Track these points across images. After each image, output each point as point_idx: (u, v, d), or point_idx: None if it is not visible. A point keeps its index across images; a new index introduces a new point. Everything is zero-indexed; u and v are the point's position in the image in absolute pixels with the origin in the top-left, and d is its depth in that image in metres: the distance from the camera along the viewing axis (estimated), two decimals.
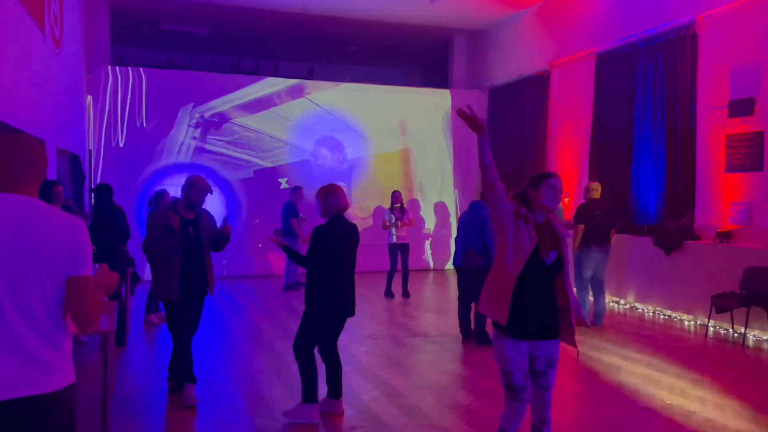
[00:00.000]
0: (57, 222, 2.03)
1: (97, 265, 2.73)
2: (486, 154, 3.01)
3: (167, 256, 4.58)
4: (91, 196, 10.42)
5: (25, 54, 6.08)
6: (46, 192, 6.11)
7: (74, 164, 9.04)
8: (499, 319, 3.05)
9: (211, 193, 4.79)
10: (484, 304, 3.20)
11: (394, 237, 9.39)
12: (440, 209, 12.98)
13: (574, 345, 3.17)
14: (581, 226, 7.26)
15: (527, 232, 3.04)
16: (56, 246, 1.99)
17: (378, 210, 12.21)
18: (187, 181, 4.72)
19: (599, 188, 7.61)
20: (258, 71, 14.45)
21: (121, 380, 5.21)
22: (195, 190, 4.64)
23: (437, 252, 12.90)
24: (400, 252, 9.40)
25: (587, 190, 7.62)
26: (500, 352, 3.10)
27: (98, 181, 10.68)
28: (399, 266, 9.44)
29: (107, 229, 6.54)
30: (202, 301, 4.79)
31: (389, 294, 9.43)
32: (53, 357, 2.01)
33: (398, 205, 9.40)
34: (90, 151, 10.61)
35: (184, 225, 4.61)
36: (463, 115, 2.97)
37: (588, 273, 7.37)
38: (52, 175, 7.17)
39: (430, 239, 12.83)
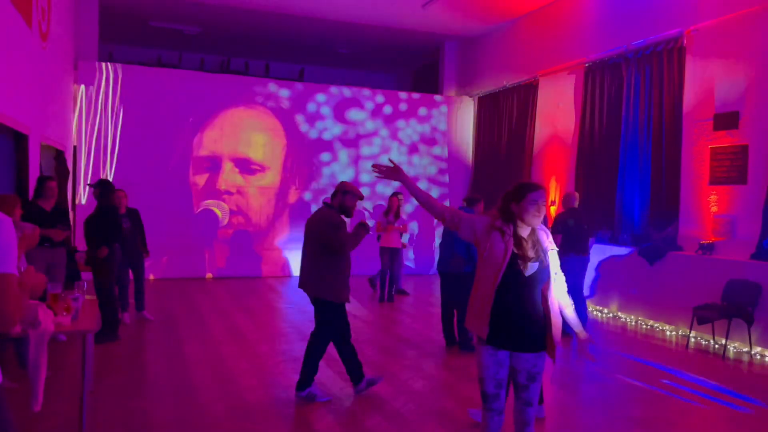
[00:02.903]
0: None
1: (23, 266, 2.65)
2: (417, 194, 3.15)
3: (345, 258, 4.77)
4: (80, 190, 10.30)
5: (10, 47, 6.00)
6: (40, 187, 6.03)
7: (59, 160, 8.93)
8: (480, 334, 3.05)
9: (362, 199, 4.96)
10: (468, 319, 3.16)
11: (386, 241, 9.39)
12: (424, 213, 12.97)
13: (552, 358, 3.11)
14: (558, 236, 7.24)
15: (503, 244, 3.02)
16: None
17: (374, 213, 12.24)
18: (341, 187, 4.85)
19: (577, 197, 7.64)
20: (248, 72, 14.40)
21: (106, 377, 5.14)
22: (350, 196, 4.80)
23: (420, 256, 12.91)
24: (389, 255, 9.40)
25: (566, 199, 7.64)
26: (477, 357, 3.11)
27: (81, 178, 10.56)
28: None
29: (107, 226, 6.51)
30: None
31: (382, 299, 9.42)
32: None
33: (395, 207, 9.41)
34: (75, 147, 10.48)
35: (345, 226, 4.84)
36: (377, 169, 3.22)
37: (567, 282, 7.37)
38: (35, 170, 7.08)
39: (413, 244, 12.83)
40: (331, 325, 4.81)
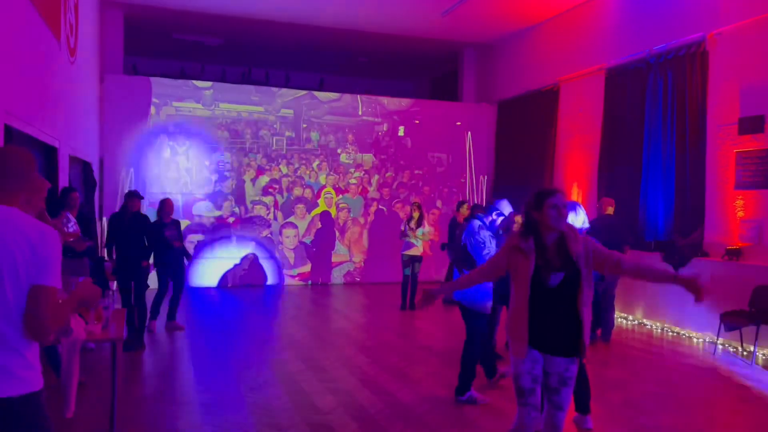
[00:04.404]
0: (25, 230, 2.03)
1: (80, 279, 2.73)
2: (463, 286, 3.79)
3: None
4: (101, 201, 10.49)
5: (40, 62, 6.16)
6: (64, 198, 6.18)
7: (86, 172, 9.12)
8: (519, 355, 3.10)
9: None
10: (510, 342, 3.20)
11: (407, 248, 9.39)
12: (444, 220, 12.97)
13: (581, 357, 3.16)
14: None
15: (525, 260, 3.06)
16: (21, 254, 1.99)
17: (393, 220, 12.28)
18: (501, 204, 5.33)
19: (613, 204, 7.59)
20: (268, 82, 14.56)
21: (135, 384, 5.22)
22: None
23: (440, 264, 12.87)
24: (411, 263, 9.40)
25: (600, 205, 7.61)
26: (512, 354, 3.15)
27: (106, 190, 10.76)
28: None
29: (152, 235, 6.84)
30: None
31: (404, 307, 9.41)
32: (12, 363, 1.99)
33: (416, 215, 9.37)
34: (101, 159, 10.69)
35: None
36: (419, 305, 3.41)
37: (599, 288, 7.34)
38: (64, 182, 7.24)
39: (432, 251, 12.81)
40: (478, 332, 5.15)
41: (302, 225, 12.14)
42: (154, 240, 7.18)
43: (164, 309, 7.67)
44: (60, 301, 2.11)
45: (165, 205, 7.46)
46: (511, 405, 4.91)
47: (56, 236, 2.09)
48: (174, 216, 7.65)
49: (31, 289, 2.00)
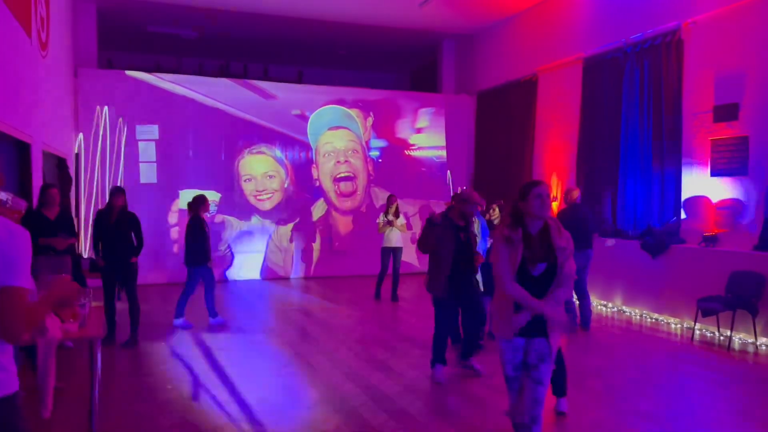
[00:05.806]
0: None
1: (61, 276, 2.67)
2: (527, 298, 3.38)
3: (440, 258, 5.33)
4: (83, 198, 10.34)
5: (11, 57, 6.03)
6: (42, 195, 6.07)
7: (61, 167, 8.96)
8: (507, 337, 3.37)
9: (480, 205, 5.52)
10: (495, 324, 3.47)
11: (387, 240, 9.39)
12: (427, 212, 12.98)
13: (549, 344, 3.42)
14: None
15: (514, 251, 3.28)
16: None
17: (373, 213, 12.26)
18: (460, 196, 5.42)
19: (578, 192, 7.64)
20: (246, 75, 14.42)
21: (114, 383, 5.17)
22: (468, 205, 5.30)
23: (423, 255, 12.89)
24: (392, 255, 9.42)
25: (567, 194, 7.65)
26: (498, 336, 3.46)
27: (83, 185, 10.60)
28: (389, 269, 9.50)
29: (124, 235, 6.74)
30: (470, 296, 5.50)
31: (378, 297, 9.49)
32: None
33: (393, 207, 9.35)
34: (77, 154, 10.52)
35: (456, 231, 5.31)
36: None
37: None
38: (38, 178, 7.11)
39: (414, 241, 12.85)
40: (436, 316, 5.46)
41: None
42: (201, 238, 7.30)
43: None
44: (32, 302, 2.05)
45: (205, 202, 7.45)
46: (493, 395, 4.96)
47: (26, 236, 2.02)
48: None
49: (0, 291, 1.94)
